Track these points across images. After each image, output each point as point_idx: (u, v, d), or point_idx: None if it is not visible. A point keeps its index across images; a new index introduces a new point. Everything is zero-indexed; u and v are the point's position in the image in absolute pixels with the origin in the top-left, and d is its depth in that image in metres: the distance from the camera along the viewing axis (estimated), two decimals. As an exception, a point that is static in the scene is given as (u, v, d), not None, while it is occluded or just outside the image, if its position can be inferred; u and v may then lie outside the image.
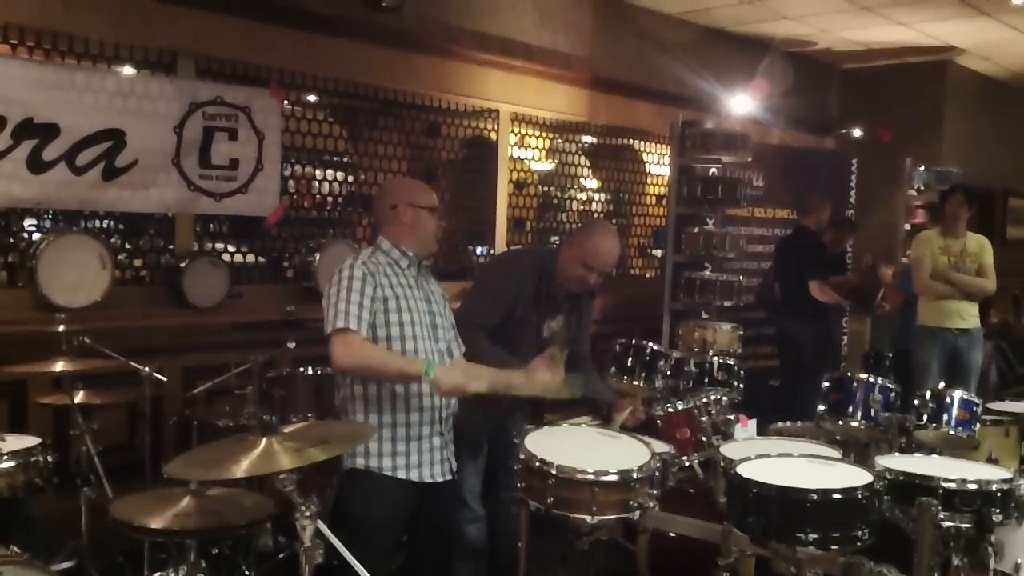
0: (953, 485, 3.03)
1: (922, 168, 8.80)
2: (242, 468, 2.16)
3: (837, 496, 2.66)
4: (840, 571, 2.80)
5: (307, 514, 2.23)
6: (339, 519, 2.87)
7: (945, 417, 4.40)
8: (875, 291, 7.12)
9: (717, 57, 8.07)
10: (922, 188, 8.78)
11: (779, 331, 6.95)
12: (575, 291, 3.83)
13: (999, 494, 3.03)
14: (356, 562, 2.27)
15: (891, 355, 7.49)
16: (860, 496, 2.68)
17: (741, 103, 7.10)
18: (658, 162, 8.56)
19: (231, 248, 5.79)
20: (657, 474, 2.97)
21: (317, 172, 6.21)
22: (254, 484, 3.65)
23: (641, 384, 4.68)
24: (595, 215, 8.15)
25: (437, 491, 3.10)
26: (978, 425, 4.46)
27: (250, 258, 5.89)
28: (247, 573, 3.99)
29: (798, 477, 2.79)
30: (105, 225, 5.30)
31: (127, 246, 5.39)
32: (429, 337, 3.10)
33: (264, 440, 2.27)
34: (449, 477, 3.15)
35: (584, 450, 3.01)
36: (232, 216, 5.68)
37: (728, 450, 3.44)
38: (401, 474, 3.01)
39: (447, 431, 3.15)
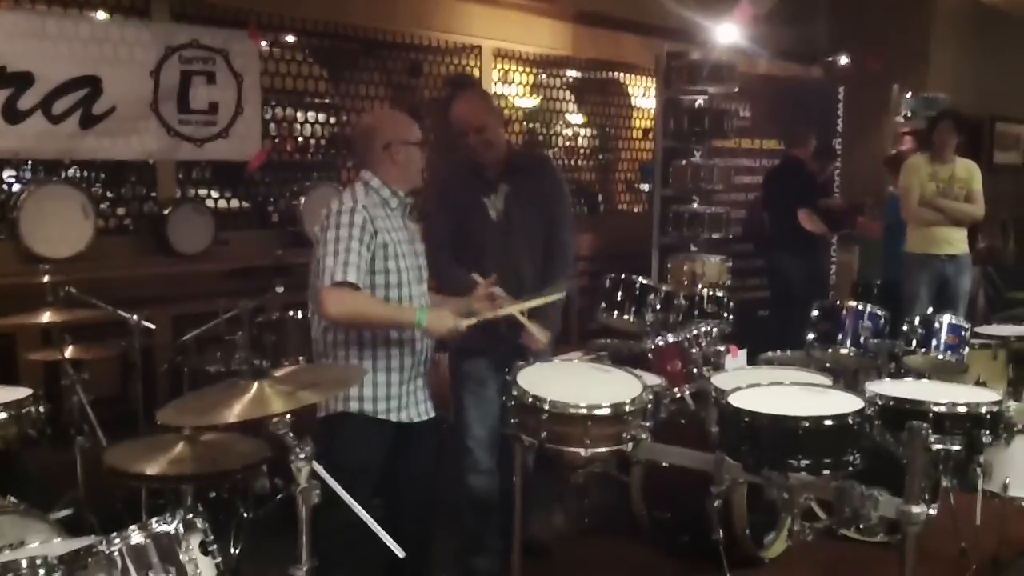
0: (943, 409, 3.06)
1: (909, 95, 8.74)
2: (234, 413, 2.16)
3: (828, 423, 2.68)
4: (832, 495, 2.83)
5: (302, 456, 2.23)
6: (327, 461, 2.86)
7: (934, 342, 4.44)
8: (848, 224, 7.17)
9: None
10: (909, 115, 8.74)
11: (768, 262, 6.97)
12: (491, 157, 3.70)
13: (988, 416, 3.07)
14: (353, 501, 2.27)
15: (879, 284, 7.52)
16: (851, 422, 2.70)
17: (727, 33, 6.98)
18: (644, 95, 8.47)
19: (215, 194, 5.73)
20: (649, 406, 2.97)
21: (298, 115, 6.12)
22: (248, 428, 3.65)
23: (631, 318, 4.70)
24: (581, 151, 8.09)
25: (416, 431, 3.11)
26: (967, 349, 4.51)
27: (234, 204, 5.83)
28: (245, 515, 4.03)
29: (789, 405, 2.80)
30: (86, 174, 5.23)
31: (109, 195, 5.33)
32: (417, 280, 3.10)
33: (256, 384, 2.26)
34: (431, 415, 3.18)
35: (576, 385, 3.01)
36: (214, 162, 5.61)
37: (719, 381, 3.45)
38: (393, 416, 3.02)
39: (427, 372, 3.18)
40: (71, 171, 5.14)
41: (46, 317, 3.74)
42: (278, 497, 4.20)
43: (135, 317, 4.19)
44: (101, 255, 4.93)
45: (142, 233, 5.28)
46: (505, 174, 3.74)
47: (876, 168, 8.54)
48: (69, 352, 3.91)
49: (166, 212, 5.13)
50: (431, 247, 3.50)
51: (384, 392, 3.01)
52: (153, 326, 4.29)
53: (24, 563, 1.82)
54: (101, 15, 5.00)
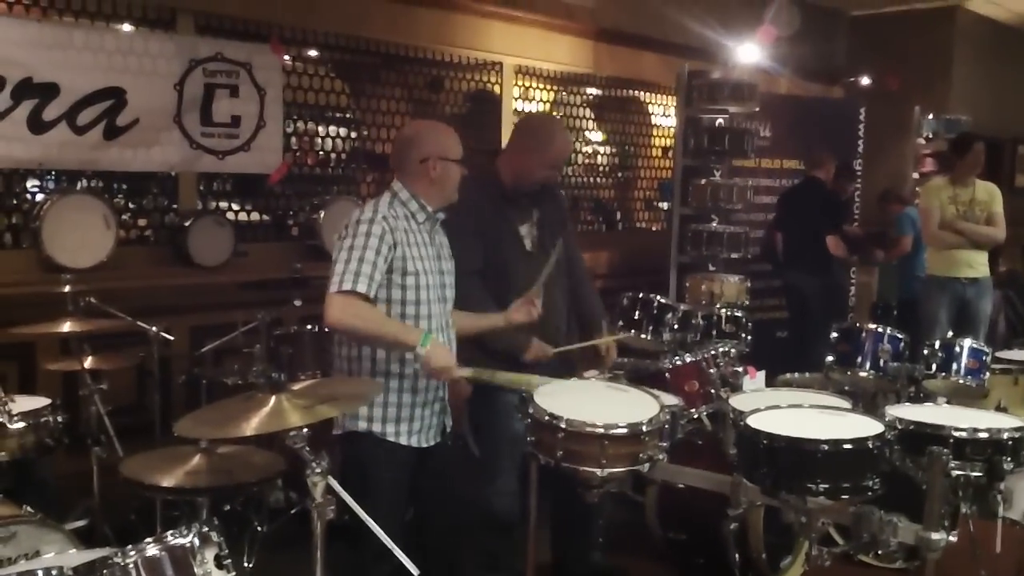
0: (964, 434, 3.02)
1: (930, 116, 8.70)
2: (252, 426, 2.16)
3: (848, 446, 2.65)
4: (850, 521, 2.80)
5: (318, 470, 2.23)
6: (345, 482, 2.85)
7: (954, 366, 4.40)
8: (867, 250, 7.15)
9: (722, 5, 7.95)
10: (930, 136, 8.70)
11: (784, 283, 6.94)
12: (536, 188, 3.73)
13: (1010, 442, 3.02)
14: (366, 515, 2.27)
15: (895, 305, 7.48)
16: (871, 446, 2.67)
17: (748, 52, 6.98)
18: (663, 113, 8.47)
19: (235, 207, 5.76)
20: (666, 426, 2.96)
21: (319, 128, 6.15)
22: (263, 441, 3.66)
23: (648, 337, 4.68)
24: (600, 168, 8.09)
25: (429, 455, 3.05)
26: (987, 374, 4.46)
27: (254, 216, 5.86)
28: (259, 529, 4.03)
29: (808, 428, 2.78)
30: (108, 185, 5.27)
31: (130, 206, 5.37)
32: (439, 299, 3.02)
33: (273, 398, 2.27)
34: (439, 440, 3.10)
35: (593, 403, 3.00)
36: (235, 174, 5.64)
37: (737, 402, 3.43)
38: (403, 440, 2.96)
39: (444, 395, 3.11)
40: (93, 181, 5.16)
41: (66, 326, 3.76)
42: (292, 511, 4.21)
43: (154, 328, 4.21)
44: (121, 265, 4.95)
45: (162, 244, 5.31)
46: (535, 200, 3.77)
47: (897, 188, 8.51)
48: (88, 362, 3.92)
49: (187, 224, 5.16)
50: (461, 272, 3.46)
51: (395, 414, 2.94)
52: (172, 337, 4.30)
53: (40, 574, 1.82)
54: (127, 27, 5.05)
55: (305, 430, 2.23)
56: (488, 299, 3.50)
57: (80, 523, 3.75)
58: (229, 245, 5.29)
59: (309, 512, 4.04)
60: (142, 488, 2.85)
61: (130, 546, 2.00)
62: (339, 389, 2.55)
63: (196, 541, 2.06)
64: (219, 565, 2.10)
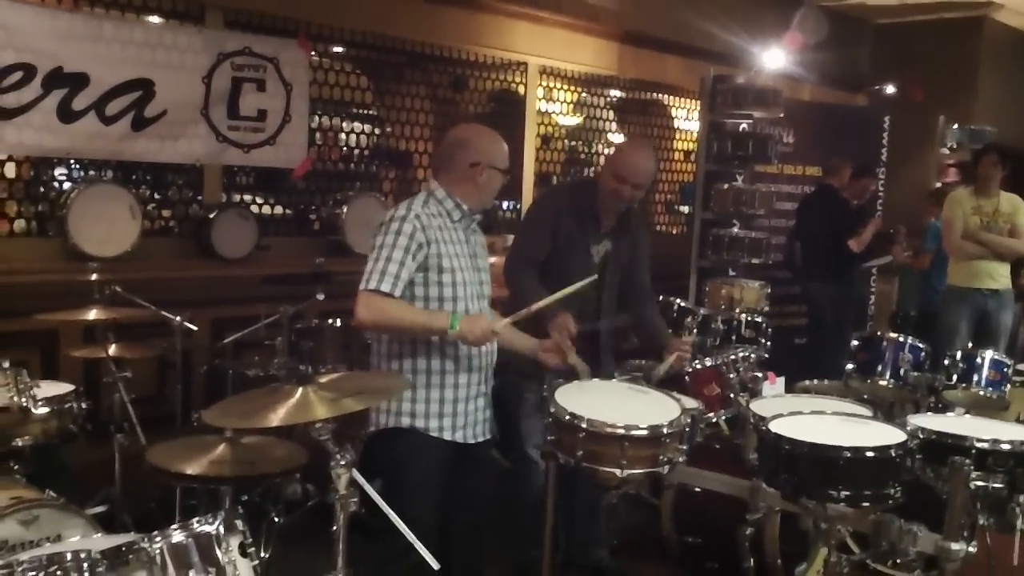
0: (986, 445, 3.00)
1: (955, 126, 8.66)
2: (279, 417, 2.17)
3: (870, 454, 2.65)
4: (870, 528, 2.80)
5: (342, 463, 2.24)
6: (380, 477, 2.86)
7: (975, 377, 4.38)
8: (878, 253, 7.11)
9: (748, 11, 7.95)
10: (954, 147, 8.66)
11: (802, 290, 6.93)
12: (618, 210, 3.80)
13: (1032, 455, 3.01)
14: (390, 510, 2.28)
15: (913, 315, 7.45)
16: (893, 455, 2.67)
17: (773, 58, 6.97)
18: (686, 117, 8.47)
19: (259, 200, 5.80)
20: (687, 430, 2.96)
21: (343, 125, 6.19)
22: (283, 433, 3.68)
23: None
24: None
25: (474, 451, 3.07)
26: (1008, 386, 4.44)
27: (277, 210, 5.90)
28: (276, 520, 4.05)
29: (830, 434, 2.78)
30: (133, 176, 5.31)
31: (156, 197, 5.41)
32: (475, 296, 3.03)
33: (300, 390, 2.28)
34: (488, 437, 3.12)
35: (614, 405, 2.99)
36: (258, 168, 5.68)
37: (758, 407, 3.42)
38: (447, 435, 2.96)
39: (489, 391, 3.12)
40: (119, 172, 5.21)
41: (92, 314, 3.79)
42: (309, 503, 4.23)
43: (178, 318, 4.24)
44: (145, 256, 5.00)
45: (186, 236, 5.36)
46: (614, 230, 3.84)
47: (918, 198, 8.47)
48: (112, 350, 3.95)
49: (211, 216, 5.20)
50: (518, 256, 3.64)
51: (437, 409, 2.95)
52: (195, 328, 4.33)
53: (68, 556, 1.84)
54: (156, 20, 5.10)
55: (330, 423, 2.25)
56: (537, 286, 3.55)
57: (100, 509, 3.79)
58: (252, 238, 5.34)
59: (326, 505, 4.10)
60: (167, 476, 2.87)
61: (156, 532, 2.02)
62: (366, 382, 2.57)
63: (221, 529, 2.08)
64: (243, 553, 2.12)
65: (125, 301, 4.06)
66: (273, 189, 5.90)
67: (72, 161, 5.07)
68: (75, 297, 4.02)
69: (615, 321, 4.01)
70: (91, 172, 5.08)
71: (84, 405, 3.54)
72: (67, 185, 4.99)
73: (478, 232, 3.15)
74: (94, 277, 3.93)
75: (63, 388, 3.55)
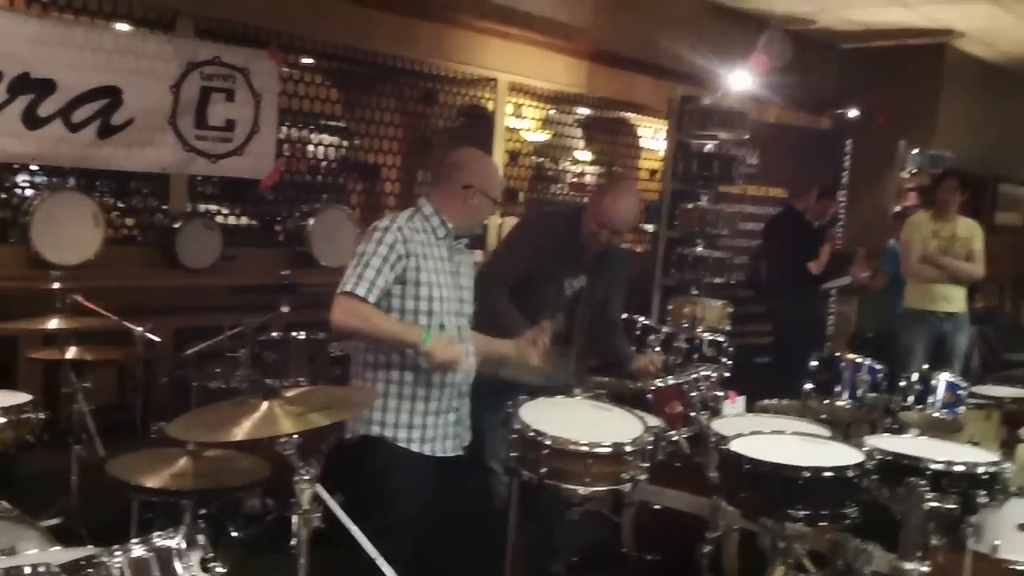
0: (941, 467, 3.06)
1: (915, 151, 8.82)
2: (244, 431, 2.17)
3: (828, 474, 2.70)
4: (827, 548, 2.85)
5: (306, 478, 2.24)
6: (357, 486, 2.87)
7: (931, 399, 4.46)
8: (837, 274, 7.22)
9: (716, 33, 8.04)
10: (915, 171, 8.82)
11: (768, 311, 7.01)
12: (597, 249, 3.86)
13: (986, 477, 3.07)
14: (353, 525, 2.28)
15: (872, 336, 7.56)
16: (851, 475, 2.72)
17: (739, 80, 7.08)
18: (653, 136, 8.55)
19: (224, 210, 5.77)
20: (649, 448, 2.99)
21: (312, 136, 6.18)
22: (246, 446, 3.66)
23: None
24: (587, 188, 8.15)
25: (448, 465, 3.09)
26: (963, 408, 4.52)
27: (243, 220, 5.87)
28: (235, 535, 4.02)
29: (790, 454, 2.82)
30: (97, 183, 5.26)
31: (120, 205, 5.37)
32: (454, 312, 3.06)
33: (265, 404, 2.28)
34: (460, 452, 3.14)
35: (578, 422, 3.02)
36: (223, 178, 5.65)
37: (719, 426, 3.47)
38: (415, 447, 2.99)
39: (462, 407, 3.15)
40: (83, 179, 5.16)
41: (53, 323, 3.75)
42: (269, 517, 4.20)
43: (140, 328, 4.20)
44: (108, 264, 4.95)
45: (150, 245, 5.31)
46: (593, 263, 3.89)
47: (879, 221, 8.62)
48: (71, 354, 3.89)
49: (176, 225, 5.16)
50: (491, 279, 3.64)
51: (407, 420, 2.98)
52: (158, 339, 4.29)
53: (27, 570, 1.82)
54: (126, 27, 5.07)
55: (296, 437, 2.25)
56: (510, 307, 3.61)
57: (54, 521, 3.74)
58: (217, 249, 5.30)
59: (286, 519, 4.07)
60: (128, 488, 2.85)
61: (116, 546, 2.01)
62: (333, 397, 2.57)
63: (183, 543, 2.07)
64: (204, 568, 2.11)
65: (87, 310, 4.02)
66: (239, 199, 5.88)
67: (33, 167, 5.01)
68: (36, 305, 3.97)
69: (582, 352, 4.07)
70: (55, 179, 5.03)
71: (42, 415, 3.48)
72: (30, 192, 4.93)
73: (465, 252, 3.19)
74: (56, 285, 3.89)
75: (20, 398, 3.48)
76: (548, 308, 3.66)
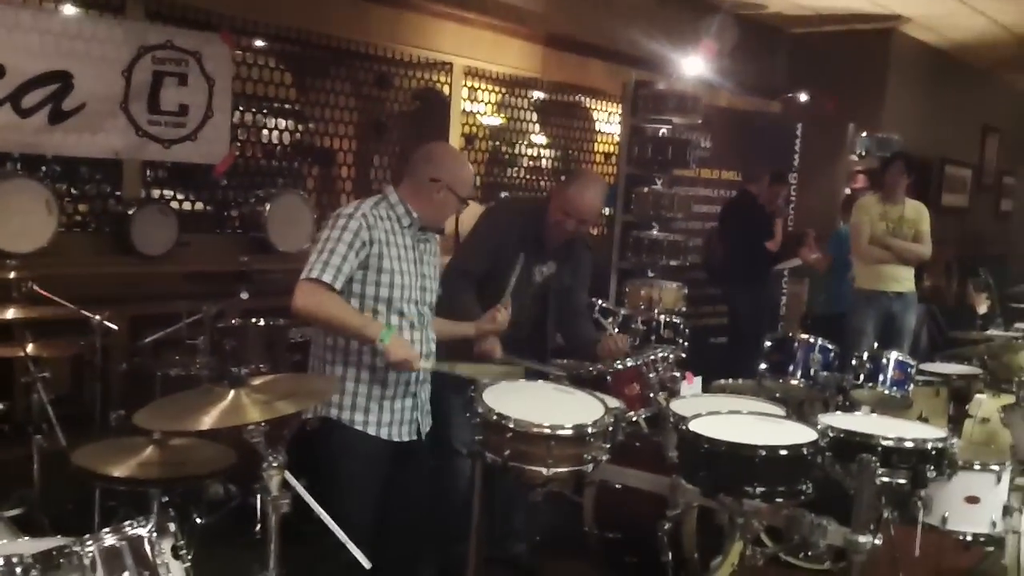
0: (892, 443, 3.17)
1: (864, 134, 8.98)
2: (211, 420, 2.18)
3: (784, 452, 2.77)
4: (783, 523, 2.92)
5: (275, 464, 2.26)
6: (315, 468, 2.89)
7: (881, 377, 4.59)
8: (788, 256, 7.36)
9: (668, 18, 8.11)
10: (863, 154, 8.98)
11: (724, 293, 7.12)
12: (565, 239, 3.91)
13: (934, 452, 3.18)
14: (322, 510, 2.31)
15: (821, 315, 7.71)
16: (805, 453, 2.80)
17: (692, 65, 7.16)
18: (607, 120, 8.60)
19: (179, 196, 5.71)
20: (610, 429, 3.05)
21: (266, 121, 6.13)
22: (208, 434, 3.65)
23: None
24: (544, 171, 8.19)
25: (403, 452, 3.12)
26: (912, 386, 4.66)
27: (197, 206, 5.81)
28: (198, 521, 4.02)
29: (746, 433, 2.90)
30: (45, 169, 5.17)
31: (73, 192, 5.28)
32: (415, 300, 3.09)
33: (232, 392, 2.29)
34: (415, 438, 3.17)
35: (540, 405, 3.06)
36: (177, 163, 5.59)
37: (677, 406, 3.54)
38: (371, 430, 3.03)
39: (421, 393, 3.17)
40: (29, 166, 5.06)
41: (9, 313, 3.71)
42: (231, 504, 4.21)
43: (97, 317, 4.16)
44: (62, 252, 4.88)
45: (104, 231, 5.24)
46: (558, 252, 3.94)
47: (829, 204, 8.77)
48: (29, 349, 3.86)
49: (130, 212, 5.10)
50: (457, 268, 3.73)
51: (364, 403, 3.01)
52: (115, 327, 4.25)
53: (1, 560, 1.83)
54: (75, 10, 4.98)
55: (263, 425, 2.26)
56: (472, 299, 3.65)
57: (16, 511, 3.70)
58: (173, 235, 5.25)
59: (249, 505, 4.08)
60: (94, 478, 2.84)
61: (88, 535, 2.02)
62: (298, 385, 2.59)
63: (154, 532, 2.08)
64: (176, 556, 2.12)
65: (43, 299, 3.98)
66: (192, 185, 5.81)
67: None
68: (-13, 294, 3.92)
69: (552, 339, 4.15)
70: (6, 165, 4.94)
71: (0, 406, 3.46)
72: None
73: (431, 241, 3.21)
74: (12, 275, 3.84)
75: (-22, 388, 3.47)
76: (514, 297, 3.70)
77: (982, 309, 9.18)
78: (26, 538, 2.31)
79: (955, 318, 9.12)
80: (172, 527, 2.14)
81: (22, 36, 4.68)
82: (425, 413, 3.22)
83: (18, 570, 1.83)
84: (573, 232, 3.88)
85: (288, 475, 2.31)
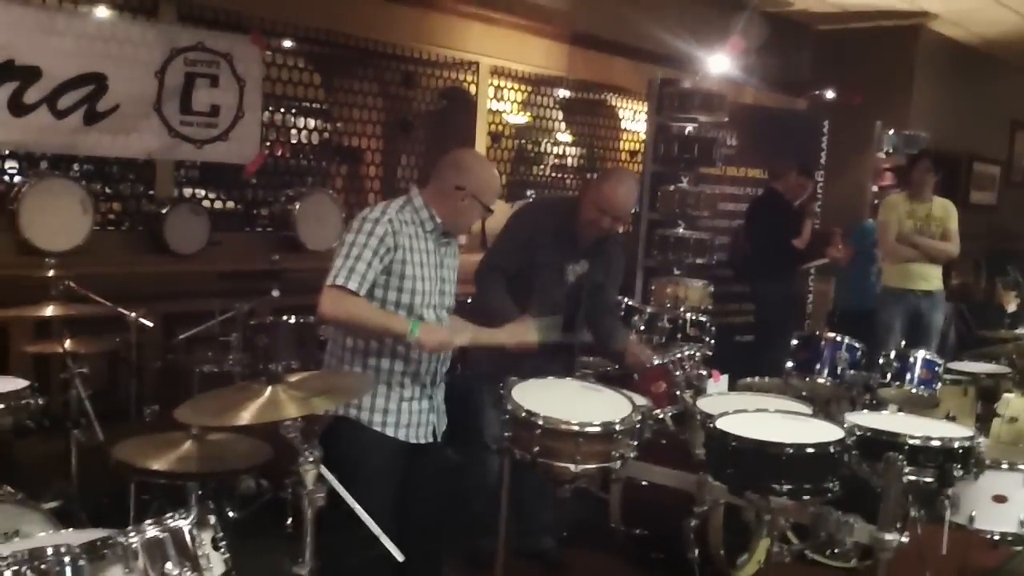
0: (918, 442, 3.19)
1: (891, 132, 8.94)
2: (250, 415, 2.24)
3: (811, 450, 2.80)
4: (809, 520, 2.94)
5: (310, 459, 2.31)
6: (335, 466, 2.93)
7: (908, 376, 4.59)
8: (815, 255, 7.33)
9: (694, 15, 8.11)
10: (890, 151, 8.94)
11: (752, 290, 7.11)
12: (597, 236, 3.94)
13: (961, 451, 3.20)
14: (355, 503, 2.36)
15: (848, 312, 7.69)
16: (832, 451, 2.82)
17: (718, 62, 7.15)
18: (632, 118, 8.62)
19: (211, 195, 5.80)
20: (637, 426, 3.08)
21: (296, 120, 6.21)
22: (245, 429, 3.71)
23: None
24: (569, 169, 8.22)
25: (422, 452, 3.14)
26: (939, 384, 4.66)
27: (228, 205, 5.90)
28: (231, 516, 4.08)
29: (773, 431, 2.92)
30: (85, 170, 5.28)
31: (108, 191, 5.38)
32: (435, 305, 3.10)
33: (269, 388, 2.35)
34: (431, 440, 3.18)
35: (568, 402, 3.10)
36: (208, 163, 5.68)
37: (704, 404, 3.56)
38: (390, 431, 3.04)
39: (436, 395, 3.19)
40: (71, 166, 5.17)
41: (48, 311, 3.79)
42: (264, 499, 4.27)
43: (133, 314, 4.24)
44: (96, 250, 4.97)
45: (138, 231, 5.34)
46: (590, 250, 3.97)
47: (856, 201, 8.74)
48: (68, 345, 3.94)
49: (164, 211, 5.19)
50: (489, 264, 3.80)
51: (382, 405, 3.02)
52: (150, 324, 4.33)
53: (49, 551, 1.89)
54: (109, 13, 5.07)
55: (299, 421, 2.32)
56: (504, 296, 3.70)
57: (54, 504, 3.78)
58: (205, 234, 5.34)
59: (281, 500, 4.13)
60: (134, 472, 2.91)
61: (131, 527, 2.08)
62: (333, 382, 2.64)
63: (195, 524, 2.14)
64: (215, 547, 2.18)
65: (79, 297, 4.06)
66: (223, 184, 5.90)
67: (22, 154, 5.01)
68: (25, 292, 3.99)
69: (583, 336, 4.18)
70: (43, 165, 5.04)
71: (40, 400, 3.54)
72: (17, 179, 4.94)
73: (451, 244, 3.21)
74: (51, 273, 3.92)
75: (18, 384, 3.54)
76: (547, 296, 3.75)
77: (1011, 307, 9.10)
78: (70, 530, 2.38)
79: (983, 316, 9.05)
80: (212, 519, 2.20)
81: (58, 39, 4.78)
82: (441, 415, 3.24)
83: (66, 559, 1.89)
84: (607, 229, 3.91)
85: (324, 469, 2.36)
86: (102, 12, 5.05)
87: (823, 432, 2.98)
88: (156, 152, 5.27)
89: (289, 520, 4.08)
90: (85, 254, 4.85)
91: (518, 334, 3.32)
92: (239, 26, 5.58)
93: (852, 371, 4.60)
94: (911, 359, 4.61)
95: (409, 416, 3.08)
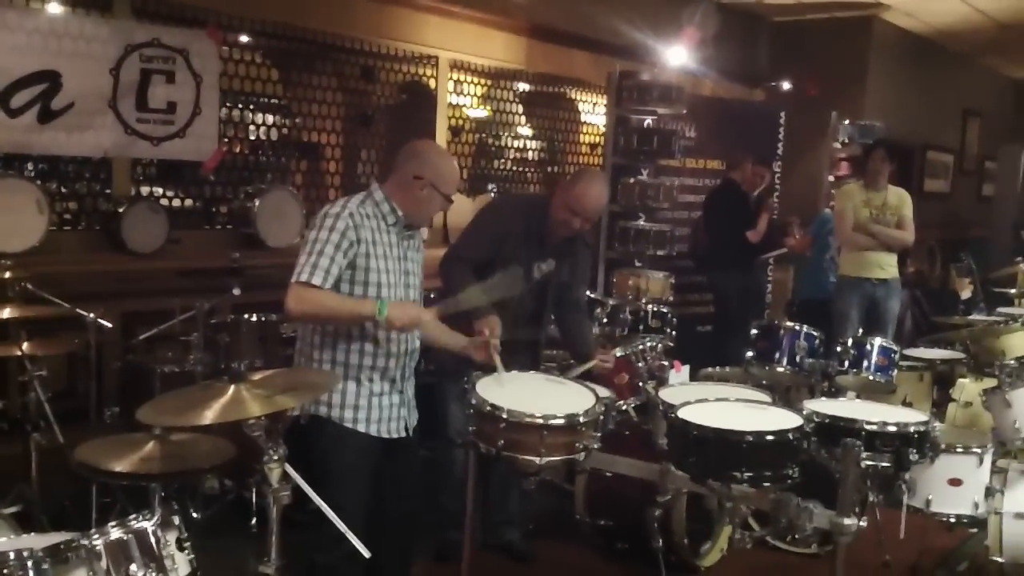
0: (875, 427, 3.25)
1: (847, 122, 9.06)
2: (214, 414, 2.23)
3: (770, 438, 2.83)
4: (770, 507, 2.98)
5: (275, 458, 2.31)
6: (307, 464, 2.93)
7: (865, 363, 4.67)
8: (773, 246, 7.41)
9: (652, 7, 8.16)
10: (846, 141, 9.06)
11: (710, 281, 7.19)
12: (566, 236, 3.96)
13: (916, 435, 3.26)
14: (322, 501, 2.36)
15: (806, 301, 7.80)
16: (791, 438, 2.86)
17: (676, 54, 7.21)
18: (592, 111, 8.65)
19: (169, 193, 5.74)
20: (600, 418, 3.11)
21: (255, 117, 6.16)
22: (208, 429, 3.69)
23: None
24: (530, 163, 8.23)
25: (394, 447, 3.16)
26: (896, 371, 4.75)
27: (187, 203, 5.84)
28: (196, 516, 4.07)
29: (734, 420, 2.95)
30: (40, 169, 5.20)
31: (64, 190, 5.31)
32: (399, 298, 3.10)
33: (232, 387, 2.34)
34: (404, 435, 3.20)
35: (532, 395, 3.12)
36: (165, 161, 5.62)
37: (666, 394, 3.60)
38: (361, 427, 3.06)
39: (407, 389, 3.21)
40: (28, 165, 5.09)
41: (5, 312, 3.74)
42: (228, 498, 4.26)
43: (91, 315, 4.19)
44: (54, 250, 4.91)
45: (95, 229, 5.27)
46: (557, 249, 3.98)
47: (813, 191, 8.85)
48: (26, 347, 3.89)
49: (121, 210, 5.13)
50: (455, 254, 3.82)
51: (352, 401, 3.04)
52: (109, 324, 4.28)
53: (12, 555, 1.88)
54: (62, 9, 4.99)
55: (263, 419, 2.31)
56: (469, 280, 3.65)
57: (14, 508, 3.74)
58: (163, 232, 5.28)
59: (244, 499, 4.12)
60: (97, 474, 2.89)
61: (94, 529, 2.07)
62: (297, 379, 2.63)
63: (158, 525, 2.13)
64: (180, 548, 2.18)
65: (37, 298, 4.01)
66: (182, 182, 5.84)
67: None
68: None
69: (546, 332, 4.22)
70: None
71: (-2, 404, 3.50)
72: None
73: (415, 237, 3.22)
74: (7, 275, 3.87)
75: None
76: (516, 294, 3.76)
77: (965, 294, 9.30)
78: (31, 534, 2.36)
79: (938, 302, 9.23)
80: (176, 520, 2.19)
81: (9, 36, 4.69)
82: (412, 409, 3.25)
83: (29, 564, 1.88)
84: (577, 230, 3.94)
85: (288, 467, 2.36)
86: (55, 8, 4.97)
87: (782, 420, 3.02)
88: (112, 150, 5.20)
89: (254, 519, 4.07)
90: (41, 254, 4.78)
91: (478, 349, 3.31)
92: (195, 21, 5.52)
93: (811, 359, 4.66)
94: (868, 346, 4.69)
95: (380, 411, 3.09)
